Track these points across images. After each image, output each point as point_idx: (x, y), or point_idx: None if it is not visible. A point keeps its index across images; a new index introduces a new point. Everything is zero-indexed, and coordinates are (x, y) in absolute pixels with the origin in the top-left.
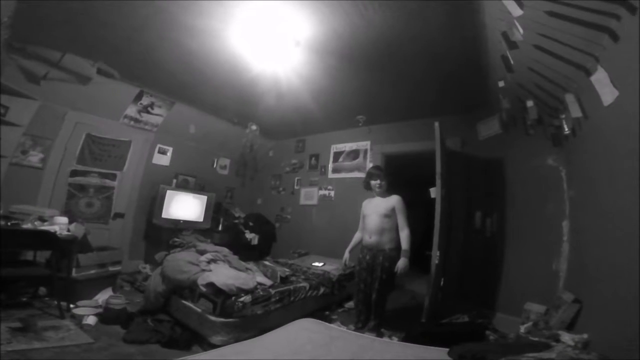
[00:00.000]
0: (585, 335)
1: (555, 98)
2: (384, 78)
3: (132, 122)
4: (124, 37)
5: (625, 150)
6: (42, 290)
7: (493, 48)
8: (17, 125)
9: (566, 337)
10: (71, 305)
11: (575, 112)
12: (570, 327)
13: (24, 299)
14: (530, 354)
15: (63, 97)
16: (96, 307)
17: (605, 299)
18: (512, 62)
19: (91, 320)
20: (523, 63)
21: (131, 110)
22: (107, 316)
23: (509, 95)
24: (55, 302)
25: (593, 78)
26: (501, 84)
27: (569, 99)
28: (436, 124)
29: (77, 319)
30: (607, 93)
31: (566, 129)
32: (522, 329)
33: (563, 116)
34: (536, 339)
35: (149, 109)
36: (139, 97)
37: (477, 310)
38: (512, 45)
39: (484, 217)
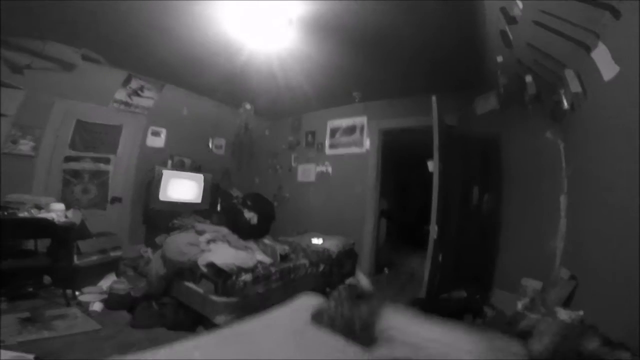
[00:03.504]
0: (581, 312)
1: (554, 74)
2: (379, 54)
3: (122, 106)
4: (109, 27)
5: (625, 126)
6: (47, 279)
7: (491, 23)
8: (5, 115)
9: (562, 314)
10: (76, 293)
11: (575, 87)
12: (566, 303)
13: (30, 289)
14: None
15: (49, 85)
16: (101, 293)
17: (602, 276)
18: (511, 37)
19: (97, 306)
20: (522, 39)
21: (120, 94)
22: (112, 302)
23: (507, 71)
24: (61, 291)
25: (594, 54)
26: (499, 59)
27: (569, 74)
28: (433, 99)
29: (84, 306)
30: (608, 69)
31: (565, 105)
32: (519, 305)
33: (562, 91)
34: (533, 315)
35: (139, 92)
36: (127, 81)
37: (475, 286)
38: (511, 20)
39: (481, 193)
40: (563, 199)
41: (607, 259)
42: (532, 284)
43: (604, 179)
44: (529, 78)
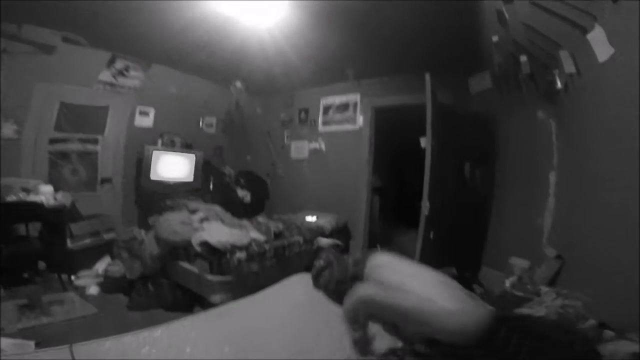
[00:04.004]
0: (565, 292)
1: (548, 54)
2: (373, 32)
3: (107, 87)
4: (90, 7)
5: (618, 106)
6: (42, 264)
7: (488, 3)
8: None
9: (548, 294)
10: (72, 277)
11: (569, 67)
12: (552, 282)
13: (25, 276)
14: (524, 309)
15: (28, 68)
16: (97, 276)
17: (587, 256)
18: (507, 16)
19: (94, 290)
20: (518, 18)
21: (105, 75)
22: (108, 285)
23: (502, 51)
24: (56, 276)
25: (589, 36)
26: (495, 38)
27: (563, 55)
28: (427, 76)
29: (80, 290)
30: (603, 50)
31: (559, 84)
32: (507, 283)
33: (556, 72)
34: (520, 293)
35: (124, 72)
36: (112, 62)
37: (465, 264)
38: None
39: (472, 170)
40: (552, 177)
41: (593, 239)
42: (520, 263)
43: (595, 159)
44: (523, 58)
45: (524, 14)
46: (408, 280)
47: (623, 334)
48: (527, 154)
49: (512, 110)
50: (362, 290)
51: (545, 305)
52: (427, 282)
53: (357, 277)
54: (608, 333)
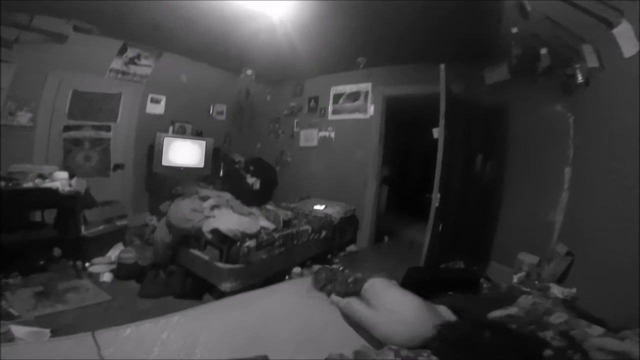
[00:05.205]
0: (574, 290)
1: (570, 48)
2: (387, 20)
3: (119, 75)
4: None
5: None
6: (57, 251)
7: None
8: None
9: (555, 290)
10: (86, 264)
11: (592, 62)
12: (561, 279)
13: (42, 263)
14: (497, 312)
15: (41, 58)
16: (110, 263)
17: (597, 254)
18: (528, 8)
19: (107, 277)
20: (539, 11)
21: (116, 64)
22: (120, 272)
23: (520, 43)
24: (71, 263)
25: (615, 31)
26: (514, 30)
27: (587, 49)
28: (442, 66)
29: (94, 278)
30: (629, 46)
31: (579, 78)
32: (515, 279)
33: (577, 65)
34: (528, 289)
35: (136, 60)
36: (123, 50)
37: (473, 258)
38: None
39: (484, 162)
40: (567, 172)
41: (605, 237)
42: (529, 259)
43: (615, 156)
44: (543, 50)
45: (546, 6)
46: (388, 301)
47: (619, 331)
48: (541, 148)
49: (528, 103)
50: (349, 306)
51: (520, 306)
52: (400, 303)
53: (355, 293)
54: (596, 329)
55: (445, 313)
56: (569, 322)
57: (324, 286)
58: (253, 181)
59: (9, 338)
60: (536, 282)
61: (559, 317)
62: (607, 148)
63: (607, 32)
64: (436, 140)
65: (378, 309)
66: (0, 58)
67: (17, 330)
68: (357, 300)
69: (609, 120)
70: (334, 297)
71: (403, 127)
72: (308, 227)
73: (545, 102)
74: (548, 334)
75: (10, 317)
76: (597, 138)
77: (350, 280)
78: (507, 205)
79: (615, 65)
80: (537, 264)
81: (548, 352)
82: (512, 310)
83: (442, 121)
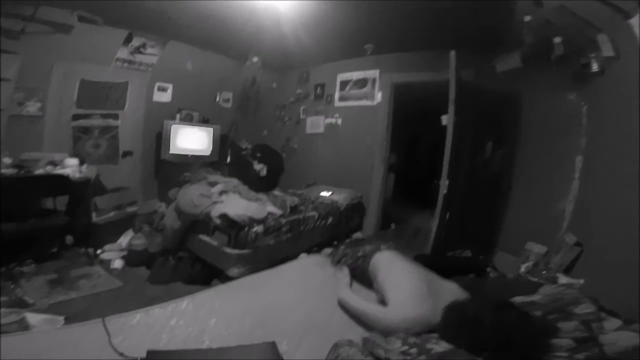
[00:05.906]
0: (581, 281)
1: (586, 37)
2: (396, 6)
3: (125, 64)
4: None
5: None
6: (69, 238)
7: None
8: (6, 80)
9: (563, 280)
10: (97, 251)
11: (608, 51)
12: (569, 270)
13: (54, 250)
14: (519, 298)
15: (47, 48)
16: (120, 250)
17: (606, 245)
18: None
19: (118, 264)
20: None
21: (122, 53)
22: (131, 258)
23: (533, 31)
24: (83, 250)
25: (633, 20)
26: (527, 18)
27: (602, 38)
28: (452, 53)
29: (105, 264)
30: None
31: (594, 67)
32: (522, 268)
33: (592, 55)
34: (535, 279)
35: (142, 49)
36: (128, 40)
37: (480, 247)
38: None
39: (493, 150)
40: (579, 161)
41: (615, 228)
42: (536, 248)
43: (625, 145)
44: (557, 39)
45: None
46: (390, 282)
47: (631, 324)
48: (552, 137)
49: (539, 92)
50: (343, 294)
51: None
52: (402, 286)
53: (363, 268)
54: (614, 322)
55: (455, 290)
56: (594, 313)
57: (338, 261)
58: (260, 167)
59: (24, 326)
60: (544, 272)
61: (586, 308)
62: (620, 137)
63: (623, 22)
64: (444, 128)
65: (380, 291)
66: (0, 48)
67: (32, 317)
68: (354, 295)
69: (623, 109)
70: (337, 270)
71: (411, 114)
72: (315, 213)
73: (558, 91)
74: (571, 325)
75: (25, 305)
76: (611, 127)
77: (359, 254)
78: (516, 194)
79: (631, 55)
80: (545, 254)
81: (568, 342)
82: (536, 297)
83: (451, 108)
